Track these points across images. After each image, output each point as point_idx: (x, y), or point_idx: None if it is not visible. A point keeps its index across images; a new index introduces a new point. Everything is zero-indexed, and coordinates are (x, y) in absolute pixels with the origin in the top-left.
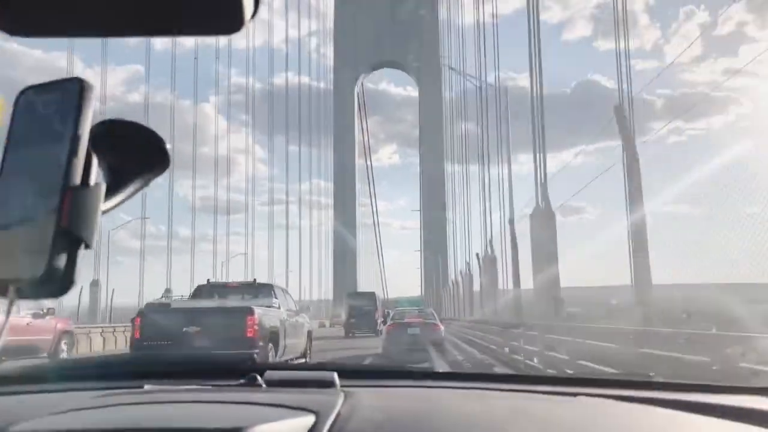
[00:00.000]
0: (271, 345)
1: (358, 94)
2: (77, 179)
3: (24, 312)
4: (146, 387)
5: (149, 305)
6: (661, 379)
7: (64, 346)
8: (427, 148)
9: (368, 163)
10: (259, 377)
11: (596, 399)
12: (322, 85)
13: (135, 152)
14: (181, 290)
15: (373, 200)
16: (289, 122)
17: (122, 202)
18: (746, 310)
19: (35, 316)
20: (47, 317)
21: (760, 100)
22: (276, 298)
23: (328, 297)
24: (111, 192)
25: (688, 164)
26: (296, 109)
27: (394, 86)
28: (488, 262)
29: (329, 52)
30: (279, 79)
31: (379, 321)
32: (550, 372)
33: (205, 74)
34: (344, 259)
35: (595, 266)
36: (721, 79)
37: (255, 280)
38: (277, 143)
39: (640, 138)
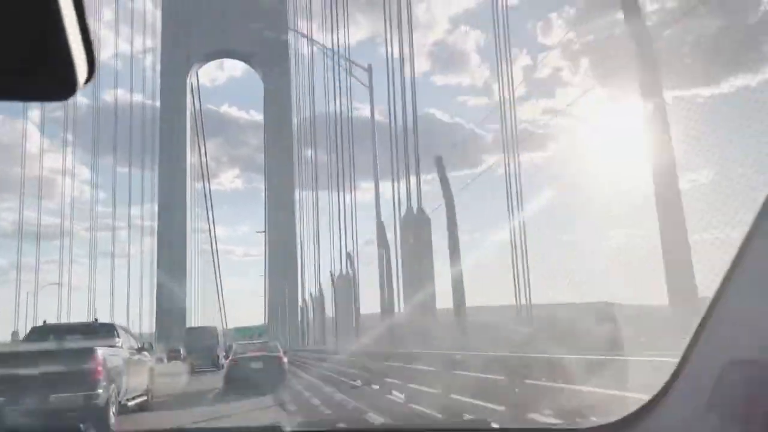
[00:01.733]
0: (113, 386)
1: (194, 110)
2: None
3: None
4: None
5: None
6: (496, 425)
7: None
8: (273, 170)
9: (206, 185)
10: None
11: None
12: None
13: None
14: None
15: (212, 226)
16: (115, 140)
17: None
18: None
19: None
20: None
21: (573, 137)
22: (119, 337)
23: (151, 330)
24: None
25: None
26: (120, 124)
27: (237, 110)
28: (342, 284)
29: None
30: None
31: (221, 356)
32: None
33: None
34: (171, 288)
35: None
36: (540, 117)
37: (96, 319)
38: (102, 164)
39: (471, 169)
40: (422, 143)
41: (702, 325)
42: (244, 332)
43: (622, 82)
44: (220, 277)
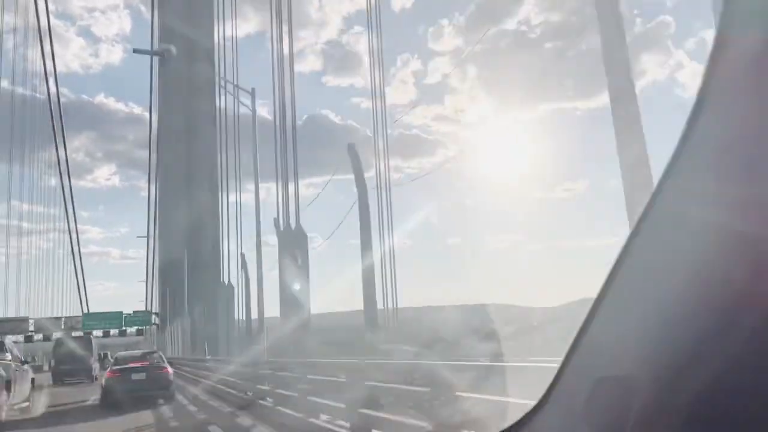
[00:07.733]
0: (5, 392)
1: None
2: None
3: None
4: None
5: None
6: None
7: None
8: (167, 166)
9: (64, 182)
10: None
11: None
12: None
13: None
14: None
15: (73, 224)
16: None
17: None
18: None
19: None
20: None
21: (462, 144)
22: (9, 352)
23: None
24: None
25: (406, 201)
26: None
27: (115, 101)
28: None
29: None
30: None
31: (94, 366)
32: None
33: None
34: None
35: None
36: (431, 123)
37: None
38: None
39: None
40: (313, 144)
41: (577, 338)
42: (97, 320)
43: (507, 93)
44: (81, 258)
